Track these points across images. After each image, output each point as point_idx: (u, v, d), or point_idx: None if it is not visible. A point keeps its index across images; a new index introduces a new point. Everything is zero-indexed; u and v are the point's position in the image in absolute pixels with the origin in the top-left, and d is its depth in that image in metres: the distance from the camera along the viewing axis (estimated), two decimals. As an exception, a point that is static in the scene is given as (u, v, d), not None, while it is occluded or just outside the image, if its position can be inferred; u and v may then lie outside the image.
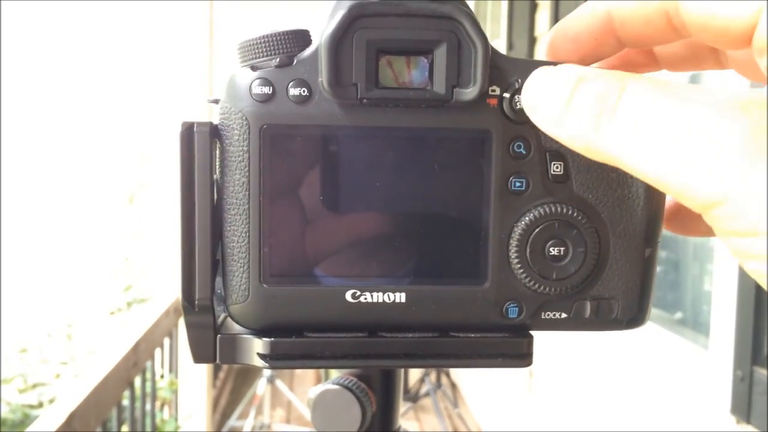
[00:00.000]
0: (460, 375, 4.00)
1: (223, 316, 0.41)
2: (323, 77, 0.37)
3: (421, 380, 3.66)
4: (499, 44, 3.62)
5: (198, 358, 0.39)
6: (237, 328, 0.40)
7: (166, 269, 2.62)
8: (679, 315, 2.15)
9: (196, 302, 0.38)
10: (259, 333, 0.39)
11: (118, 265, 4.97)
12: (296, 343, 0.39)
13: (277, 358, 0.39)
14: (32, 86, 6.77)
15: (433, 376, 3.62)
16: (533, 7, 3.09)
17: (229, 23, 4.30)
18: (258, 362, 0.39)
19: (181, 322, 2.62)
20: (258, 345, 0.39)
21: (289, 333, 0.39)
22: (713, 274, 1.72)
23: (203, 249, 0.38)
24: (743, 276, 1.50)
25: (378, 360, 0.40)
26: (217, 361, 0.40)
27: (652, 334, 2.05)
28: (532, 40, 3.11)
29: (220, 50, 2.93)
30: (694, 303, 2.08)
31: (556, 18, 2.79)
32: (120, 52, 6.50)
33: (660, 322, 2.12)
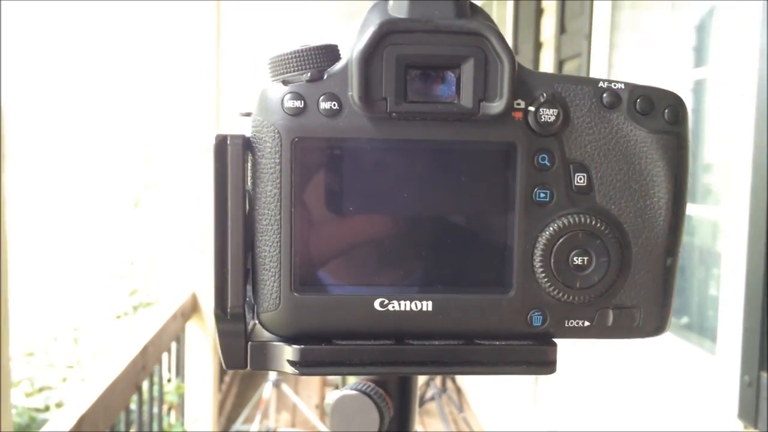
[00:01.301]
0: (466, 380, 4.00)
1: (252, 323, 0.42)
2: (353, 91, 0.38)
3: (426, 384, 3.66)
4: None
5: (229, 364, 0.40)
6: (267, 335, 0.41)
7: (172, 273, 2.63)
8: (685, 320, 2.15)
9: (229, 310, 0.39)
10: (289, 340, 0.40)
11: (124, 269, 4.98)
12: (325, 350, 0.40)
13: (306, 365, 0.40)
14: (36, 90, 6.79)
15: (438, 380, 3.62)
16: (539, 12, 3.10)
17: (237, 25, 4.31)
18: (288, 369, 0.40)
19: (188, 326, 2.63)
20: (288, 352, 0.40)
21: (318, 340, 0.40)
22: (720, 279, 1.73)
23: (236, 258, 0.39)
24: (750, 281, 1.51)
25: (405, 367, 0.41)
26: (248, 367, 0.41)
27: (659, 339, 2.05)
28: (537, 45, 3.12)
29: (227, 53, 2.93)
30: (700, 308, 2.08)
31: (561, 22, 2.79)
32: (127, 55, 6.52)
33: (666, 326, 2.12)
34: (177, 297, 2.53)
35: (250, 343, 0.40)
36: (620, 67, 2.39)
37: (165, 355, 2.38)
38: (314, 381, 4.15)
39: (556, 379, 2.73)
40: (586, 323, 0.41)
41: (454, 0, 0.38)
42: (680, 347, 1.96)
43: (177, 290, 2.56)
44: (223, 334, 0.40)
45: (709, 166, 2.13)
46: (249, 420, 3.39)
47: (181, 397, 2.57)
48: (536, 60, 3.11)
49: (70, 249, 5.79)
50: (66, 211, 6.26)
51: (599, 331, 0.41)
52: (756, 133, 1.48)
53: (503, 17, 3.63)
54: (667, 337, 2.01)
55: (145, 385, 2.09)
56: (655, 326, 0.41)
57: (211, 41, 2.65)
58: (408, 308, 0.40)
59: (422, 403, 3.62)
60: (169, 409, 2.52)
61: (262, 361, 0.41)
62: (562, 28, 2.80)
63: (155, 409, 2.23)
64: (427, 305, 0.40)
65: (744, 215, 1.53)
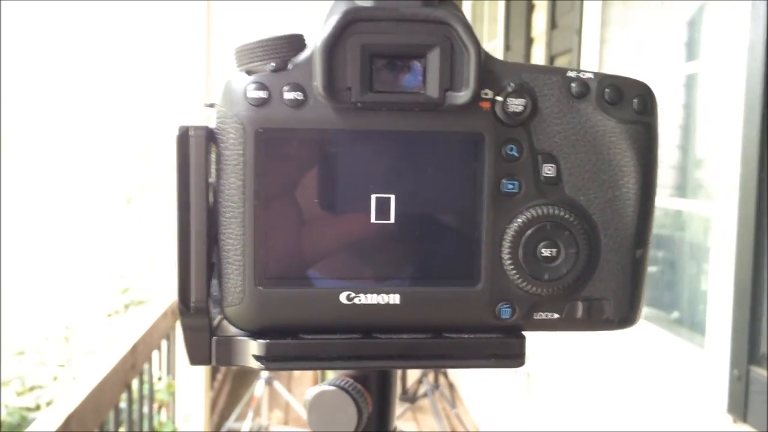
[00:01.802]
0: (458, 375, 4.00)
1: (219, 318, 0.41)
2: (318, 81, 0.37)
3: (419, 381, 3.66)
4: (497, 45, 3.63)
5: (194, 360, 0.40)
6: (233, 330, 0.40)
7: (164, 271, 2.62)
8: (676, 314, 2.15)
9: (192, 305, 0.39)
10: (255, 335, 0.40)
11: (115, 267, 4.96)
12: (291, 344, 0.39)
13: (272, 360, 0.39)
14: (28, 88, 6.76)
15: (431, 376, 3.63)
16: (530, 8, 3.10)
17: (227, 22, 4.30)
18: (253, 364, 0.40)
19: (179, 324, 2.62)
20: (253, 347, 0.39)
21: (284, 335, 0.40)
22: (709, 274, 1.73)
23: (199, 252, 0.38)
24: (739, 275, 1.51)
25: (372, 361, 0.40)
26: (213, 363, 0.40)
27: (649, 334, 2.06)
28: (528, 41, 3.11)
29: (218, 49, 2.93)
30: (690, 303, 2.09)
31: (552, 18, 2.79)
32: (118, 52, 6.50)
33: (657, 321, 2.12)
34: (168, 295, 2.53)
35: (214, 338, 0.40)
36: (611, 63, 2.38)
37: (155, 354, 2.37)
38: (307, 378, 4.15)
39: (547, 373, 2.73)
40: (555, 315, 0.40)
41: None
42: (671, 342, 1.96)
43: (168, 288, 2.56)
44: (187, 329, 0.39)
45: (700, 161, 2.13)
46: (241, 418, 3.39)
47: (172, 395, 2.56)
48: (527, 56, 3.11)
49: (62, 247, 5.78)
50: (58, 208, 6.24)
51: (568, 323, 0.40)
52: (745, 128, 1.48)
53: (495, 13, 3.63)
54: (657, 332, 2.02)
55: (135, 383, 2.08)
56: (624, 318, 0.41)
57: (202, 38, 2.64)
58: (375, 302, 0.39)
59: (415, 399, 3.62)
60: (160, 408, 2.51)
61: (228, 356, 0.40)
62: (553, 24, 2.80)
63: (145, 408, 2.22)
64: (395, 298, 0.39)
65: (733, 210, 1.53)
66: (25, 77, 6.65)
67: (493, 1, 3.66)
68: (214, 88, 2.80)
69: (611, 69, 2.38)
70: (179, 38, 2.61)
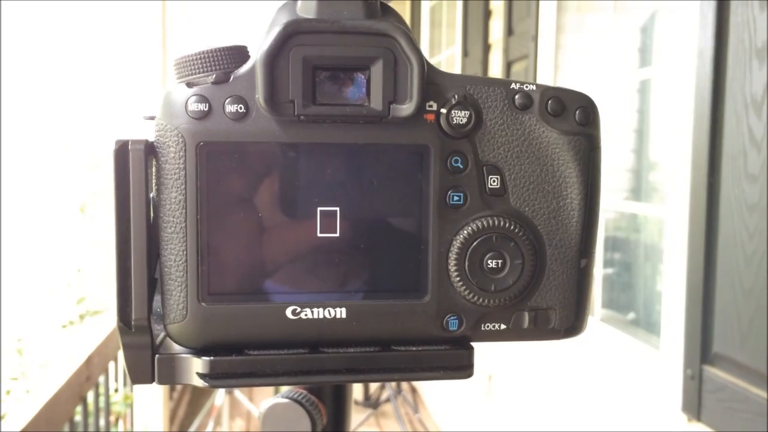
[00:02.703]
0: (421, 380, 4.00)
1: (162, 335, 0.40)
2: (260, 94, 0.37)
3: (382, 386, 3.66)
4: (455, 51, 3.65)
5: (135, 379, 0.39)
6: (176, 347, 0.40)
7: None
8: (632, 315, 2.19)
9: (132, 323, 0.38)
10: (199, 352, 0.39)
11: (70, 277, 4.85)
12: (236, 361, 0.39)
13: (216, 377, 0.39)
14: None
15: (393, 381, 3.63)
16: (487, 15, 3.13)
17: (183, 26, 4.25)
18: (197, 382, 0.39)
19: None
20: (197, 364, 0.39)
21: (229, 351, 0.39)
22: (663, 275, 1.76)
23: (139, 269, 0.37)
24: (691, 276, 1.54)
25: (320, 376, 0.40)
26: (156, 381, 0.39)
27: (606, 336, 2.09)
28: (486, 47, 3.14)
29: (173, 53, 2.90)
30: (646, 304, 2.12)
31: (509, 25, 2.82)
32: (71, 57, 6.37)
33: (613, 323, 2.15)
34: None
35: (157, 356, 0.39)
36: (566, 68, 2.42)
37: (112, 365, 2.32)
38: (268, 387, 4.10)
39: (508, 374, 2.74)
40: (503, 326, 0.40)
41: (364, 0, 0.38)
42: (627, 343, 1.99)
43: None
44: (127, 348, 0.38)
45: (654, 165, 2.17)
46: (202, 427, 3.34)
47: (130, 407, 2.51)
48: (485, 62, 3.14)
49: (13, 256, 5.62)
50: (8, 217, 6.08)
51: (516, 333, 0.41)
52: (695, 133, 1.51)
53: (453, 20, 3.66)
54: (614, 334, 2.05)
55: (91, 395, 2.04)
56: (570, 327, 0.41)
57: (158, 43, 2.60)
58: (321, 316, 0.39)
59: (377, 404, 3.62)
60: (117, 420, 2.46)
61: (171, 374, 0.39)
62: (509, 30, 2.83)
63: (101, 421, 2.17)
64: (341, 312, 0.39)
65: (684, 212, 1.57)
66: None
67: (452, 2, 3.69)
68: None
69: (566, 74, 2.42)
70: (134, 43, 2.57)
